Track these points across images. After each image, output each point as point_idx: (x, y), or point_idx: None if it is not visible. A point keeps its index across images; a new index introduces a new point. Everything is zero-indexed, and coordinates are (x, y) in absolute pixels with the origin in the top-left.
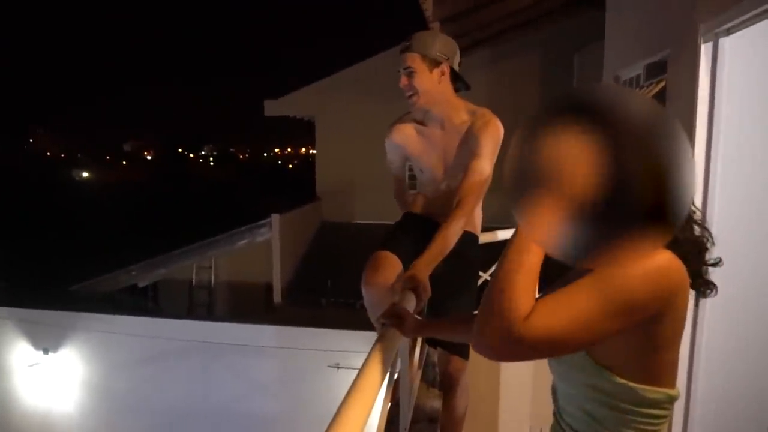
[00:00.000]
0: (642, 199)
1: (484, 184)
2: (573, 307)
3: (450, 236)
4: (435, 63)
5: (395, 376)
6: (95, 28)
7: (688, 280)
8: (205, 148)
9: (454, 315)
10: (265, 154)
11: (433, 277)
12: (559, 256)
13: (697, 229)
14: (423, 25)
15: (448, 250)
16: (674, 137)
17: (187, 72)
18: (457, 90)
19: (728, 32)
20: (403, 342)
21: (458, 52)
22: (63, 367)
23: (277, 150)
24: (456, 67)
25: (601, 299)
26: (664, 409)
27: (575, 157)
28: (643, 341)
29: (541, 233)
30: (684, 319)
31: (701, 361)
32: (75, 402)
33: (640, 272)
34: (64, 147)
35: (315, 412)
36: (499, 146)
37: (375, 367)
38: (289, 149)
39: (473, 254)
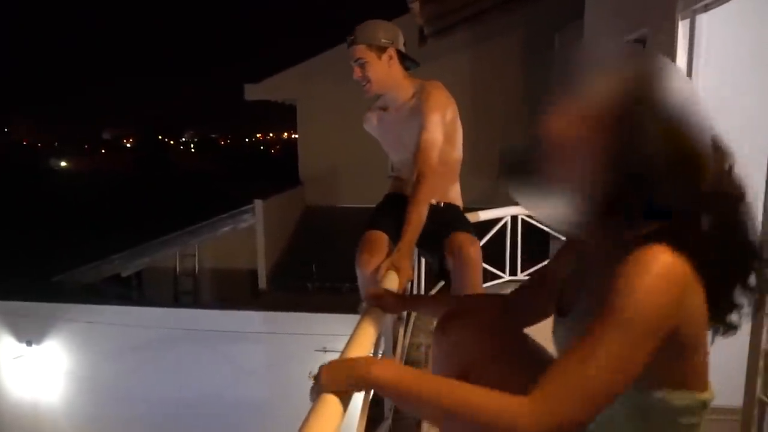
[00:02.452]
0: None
1: (437, 153)
2: (588, 372)
3: (419, 215)
4: (381, 49)
5: (379, 356)
6: (72, 16)
7: (689, 275)
8: (185, 135)
9: (434, 294)
10: (247, 140)
11: (429, 237)
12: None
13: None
14: (403, 5)
15: (422, 226)
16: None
17: (166, 57)
18: (407, 69)
19: (705, 8)
20: (386, 323)
21: (401, 34)
22: (48, 359)
23: (259, 135)
24: (402, 48)
25: (623, 340)
26: (696, 415)
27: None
28: (666, 348)
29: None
30: (704, 315)
31: None
32: (61, 393)
33: (650, 287)
34: (42, 136)
35: (303, 396)
36: (446, 113)
37: (357, 348)
38: (271, 134)
39: (460, 215)
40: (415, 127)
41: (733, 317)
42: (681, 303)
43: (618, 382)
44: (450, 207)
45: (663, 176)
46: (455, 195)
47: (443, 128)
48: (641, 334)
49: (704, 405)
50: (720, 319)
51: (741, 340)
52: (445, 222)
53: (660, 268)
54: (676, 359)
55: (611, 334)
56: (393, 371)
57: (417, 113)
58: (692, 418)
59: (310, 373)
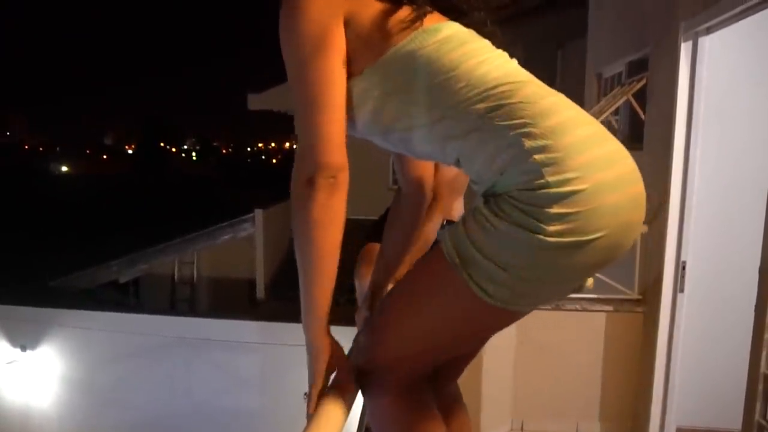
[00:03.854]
0: None
1: (457, 175)
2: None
3: (431, 233)
4: None
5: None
6: (76, 17)
7: None
8: (187, 142)
9: None
10: (249, 149)
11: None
12: None
13: None
14: None
15: (429, 244)
16: None
17: (170, 64)
18: None
19: (708, 31)
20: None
21: None
22: (42, 365)
23: (260, 144)
24: None
25: (302, 65)
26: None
27: None
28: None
29: None
30: None
31: (678, 350)
32: (54, 399)
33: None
34: (43, 139)
35: (298, 409)
36: None
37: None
38: (273, 144)
39: None
40: None
41: None
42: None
43: (324, 94)
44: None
45: None
46: (458, 211)
47: None
48: (311, 51)
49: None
50: None
51: (740, 364)
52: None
53: None
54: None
55: (294, 72)
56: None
57: None
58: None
59: (304, 395)
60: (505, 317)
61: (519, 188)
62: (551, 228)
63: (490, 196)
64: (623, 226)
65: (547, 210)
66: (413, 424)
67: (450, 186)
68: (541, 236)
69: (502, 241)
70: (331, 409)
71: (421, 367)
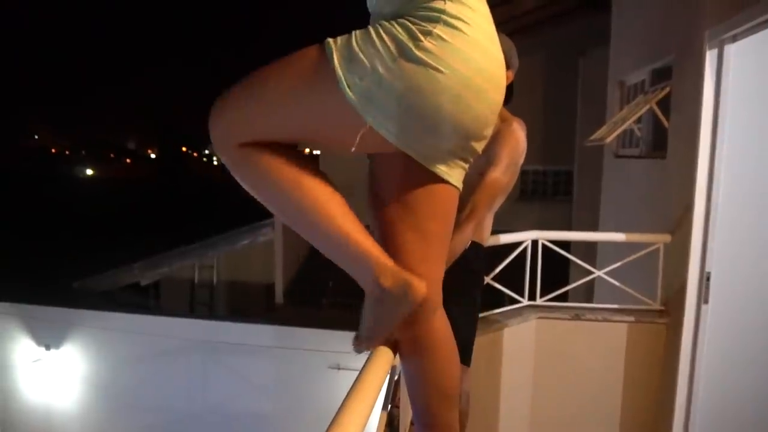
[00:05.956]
0: None
1: (497, 193)
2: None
3: (459, 244)
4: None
5: (396, 377)
6: (101, 21)
7: None
8: (208, 147)
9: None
10: None
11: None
12: None
13: None
14: None
15: (456, 256)
16: None
17: (192, 70)
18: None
19: (734, 39)
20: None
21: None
22: (65, 364)
23: None
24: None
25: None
26: None
27: None
28: None
29: None
30: None
31: (702, 362)
32: (76, 398)
33: None
34: (68, 143)
35: (315, 413)
36: (516, 158)
37: (375, 369)
38: None
39: (478, 264)
40: (482, 158)
41: None
42: None
43: None
44: (472, 252)
45: None
46: (485, 231)
47: (509, 170)
48: None
49: None
50: None
51: (765, 378)
52: (460, 280)
53: None
54: None
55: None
56: None
57: (490, 146)
58: None
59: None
60: (354, 123)
61: (418, 10)
62: (424, 43)
63: (391, 18)
64: (474, 88)
65: (430, 28)
66: (296, 173)
67: (491, 194)
68: (411, 46)
69: (376, 45)
70: (371, 377)
71: (271, 136)
